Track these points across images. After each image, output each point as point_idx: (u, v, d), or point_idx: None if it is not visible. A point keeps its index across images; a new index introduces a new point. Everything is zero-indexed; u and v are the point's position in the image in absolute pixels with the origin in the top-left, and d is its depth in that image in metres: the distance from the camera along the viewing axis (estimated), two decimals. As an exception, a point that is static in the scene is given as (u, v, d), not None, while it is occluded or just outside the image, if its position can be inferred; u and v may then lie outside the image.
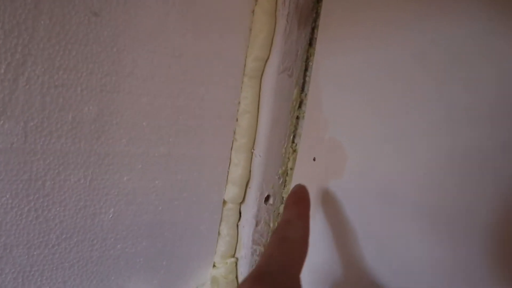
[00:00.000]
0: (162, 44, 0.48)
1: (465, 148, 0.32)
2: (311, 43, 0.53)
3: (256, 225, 0.56)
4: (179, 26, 0.48)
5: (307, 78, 0.54)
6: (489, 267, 0.30)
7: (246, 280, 0.30)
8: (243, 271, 0.58)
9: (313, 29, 0.53)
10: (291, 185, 0.56)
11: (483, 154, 0.31)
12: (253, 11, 0.52)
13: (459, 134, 0.33)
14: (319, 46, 0.51)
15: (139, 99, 0.49)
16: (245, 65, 0.53)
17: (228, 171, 0.57)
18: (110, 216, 0.51)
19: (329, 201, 0.47)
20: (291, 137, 0.55)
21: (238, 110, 0.54)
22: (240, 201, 0.57)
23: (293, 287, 0.30)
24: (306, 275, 0.47)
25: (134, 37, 0.46)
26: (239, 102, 0.54)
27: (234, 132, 0.55)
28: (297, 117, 0.55)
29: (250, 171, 0.56)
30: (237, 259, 0.60)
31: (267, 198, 0.56)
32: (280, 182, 0.56)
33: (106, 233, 0.52)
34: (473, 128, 0.31)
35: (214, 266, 0.60)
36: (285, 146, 0.55)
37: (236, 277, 0.59)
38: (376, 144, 0.41)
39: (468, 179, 0.32)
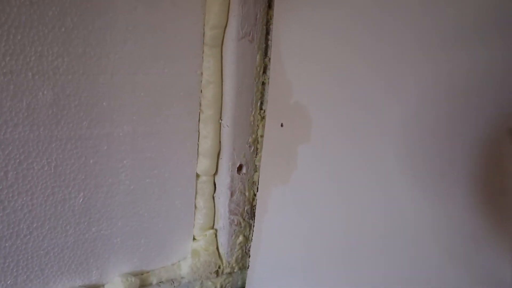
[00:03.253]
0: (113, 20, 0.46)
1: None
2: (270, 5, 0.51)
3: (231, 195, 0.56)
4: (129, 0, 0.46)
5: (269, 42, 0.52)
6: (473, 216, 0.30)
7: None
8: (223, 242, 0.58)
9: (272, -10, 0.51)
10: (263, 153, 0.55)
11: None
12: (206, -24, 0.50)
13: (412, 92, 0.32)
14: (276, 7, 0.49)
15: (95, 79, 0.47)
16: (203, 34, 0.51)
17: (198, 144, 0.56)
18: (81, 201, 0.51)
19: (299, 167, 0.47)
20: (259, 104, 0.54)
21: (201, 81, 0.53)
22: (213, 173, 0.57)
23: None
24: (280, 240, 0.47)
25: (82, 15, 0.44)
26: (201, 73, 0.52)
27: (200, 104, 0.54)
28: (263, 83, 0.53)
29: (219, 142, 0.55)
30: (216, 230, 0.60)
31: (239, 168, 0.55)
32: (252, 150, 0.55)
33: (78, 217, 0.51)
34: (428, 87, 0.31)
35: (194, 239, 0.60)
36: (253, 113, 0.54)
37: (217, 248, 0.60)
38: (340, 104, 0.40)
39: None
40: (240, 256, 0.60)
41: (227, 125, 0.53)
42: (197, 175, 0.57)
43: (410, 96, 0.33)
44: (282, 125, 0.49)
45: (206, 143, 0.54)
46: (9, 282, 0.48)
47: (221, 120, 0.54)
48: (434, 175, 0.32)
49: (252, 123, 0.54)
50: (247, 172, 0.56)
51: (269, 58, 0.52)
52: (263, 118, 0.54)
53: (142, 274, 0.58)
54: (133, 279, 0.55)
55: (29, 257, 0.49)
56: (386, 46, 0.34)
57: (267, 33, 0.52)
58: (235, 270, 0.60)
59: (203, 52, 0.52)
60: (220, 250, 0.60)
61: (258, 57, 0.52)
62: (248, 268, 0.60)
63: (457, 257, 0.31)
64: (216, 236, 0.60)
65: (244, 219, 0.58)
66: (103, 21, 0.45)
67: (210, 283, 0.60)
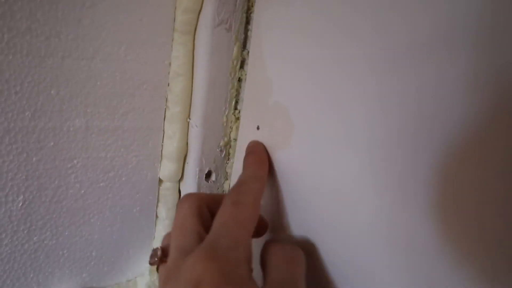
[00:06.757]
0: (66, -7, 0.39)
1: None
2: (252, -10, 0.45)
3: (198, 205, 0.49)
4: (86, -30, 0.39)
5: (249, 33, 0.46)
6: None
7: (196, 254, 0.28)
8: (186, 257, 0.51)
9: (254, -27, 0.45)
10: (235, 159, 0.49)
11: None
12: (181, -48, 0.43)
13: (411, 84, 0.26)
14: (259, -7, 0.43)
15: (42, 61, 0.40)
16: (174, 18, 0.44)
17: (162, 145, 0.49)
18: (20, 205, 0.43)
19: (276, 174, 0.41)
20: (233, 102, 0.47)
21: (169, 73, 0.46)
22: (178, 178, 0.50)
23: (245, 257, 0.30)
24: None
25: (29, -16, 0.37)
26: (169, 63, 0.46)
27: (166, 99, 0.47)
28: (239, 79, 0.47)
29: (187, 144, 0.48)
30: (179, 244, 0.53)
31: (208, 174, 0.49)
32: (223, 155, 0.49)
33: (16, 224, 0.44)
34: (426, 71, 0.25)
35: (153, 252, 0.53)
36: (227, 113, 0.47)
37: (179, 264, 0.53)
38: (325, 107, 0.34)
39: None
40: (205, 274, 0.53)
41: (196, 125, 0.46)
42: (160, 181, 0.50)
43: (406, 102, 0.27)
44: (258, 128, 0.43)
45: (171, 145, 0.47)
46: None
47: (190, 119, 0.47)
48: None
49: (224, 124, 0.47)
50: (216, 180, 0.49)
51: (248, 51, 0.46)
52: (237, 119, 0.48)
53: (91, 292, 0.50)
54: (79, 297, 0.48)
55: (-48, 270, 0.42)
56: (391, 41, 0.29)
57: (247, 22, 0.46)
58: (198, 290, 0.54)
59: (172, 40, 0.45)
60: (183, 267, 0.53)
61: (235, 49, 0.45)
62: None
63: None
64: (178, 250, 0.53)
65: (211, 233, 0.51)
66: (54, -6, 0.38)
67: (169, 303, 0.52)
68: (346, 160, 0.32)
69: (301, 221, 0.39)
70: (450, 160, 0.24)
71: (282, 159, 0.40)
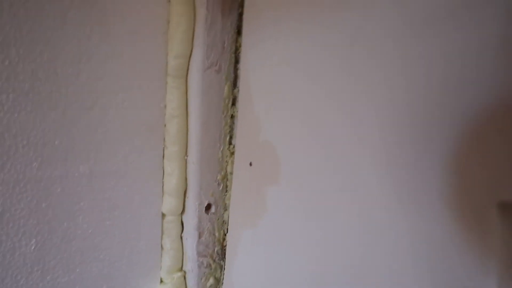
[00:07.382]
0: (63, 51, 0.42)
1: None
2: (239, 31, 0.48)
3: (199, 236, 0.51)
4: (81, 28, 0.42)
5: (239, 72, 0.48)
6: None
7: None
8: (192, 285, 0.54)
9: (241, 15, 0.47)
10: (232, 192, 0.51)
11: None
12: (169, 1, 0.46)
13: (399, 122, 0.28)
14: (245, 34, 0.45)
15: (45, 116, 0.42)
16: (167, 63, 0.47)
17: (162, 182, 0.51)
18: (33, 248, 0.46)
19: (268, 210, 0.43)
20: (227, 138, 0.50)
21: (165, 115, 0.49)
22: (180, 212, 0.52)
23: None
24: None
25: (29, 46, 0.40)
26: (165, 106, 0.48)
27: (164, 139, 0.50)
28: (232, 116, 0.50)
29: (186, 179, 0.51)
30: (185, 272, 0.55)
31: (208, 207, 0.51)
32: (221, 188, 0.51)
33: (30, 266, 0.46)
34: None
35: (161, 282, 0.56)
36: (222, 149, 0.50)
37: (186, 291, 0.55)
38: (310, 146, 0.36)
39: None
40: (211, 299, 0.56)
41: (193, 162, 0.49)
42: (163, 215, 0.53)
43: (389, 131, 0.29)
44: (251, 164, 0.45)
45: (171, 181, 0.50)
46: None
47: (187, 156, 0.49)
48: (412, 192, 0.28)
49: (220, 159, 0.50)
50: (216, 212, 0.52)
51: (239, 89, 0.48)
52: (232, 153, 0.50)
53: (103, 324, 0.53)
54: (93, 330, 0.51)
55: (-27, 313, 0.44)
56: (356, 89, 0.31)
57: (236, 61, 0.48)
58: (206, 315, 0.56)
59: (166, 84, 0.48)
60: (190, 294, 0.55)
61: (226, 88, 0.48)
62: (220, 313, 0.56)
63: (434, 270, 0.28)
64: (185, 278, 0.55)
65: (214, 261, 0.54)
66: (52, 53, 0.41)
67: (179, 330, 0.55)
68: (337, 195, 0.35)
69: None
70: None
71: (273, 195, 0.42)
